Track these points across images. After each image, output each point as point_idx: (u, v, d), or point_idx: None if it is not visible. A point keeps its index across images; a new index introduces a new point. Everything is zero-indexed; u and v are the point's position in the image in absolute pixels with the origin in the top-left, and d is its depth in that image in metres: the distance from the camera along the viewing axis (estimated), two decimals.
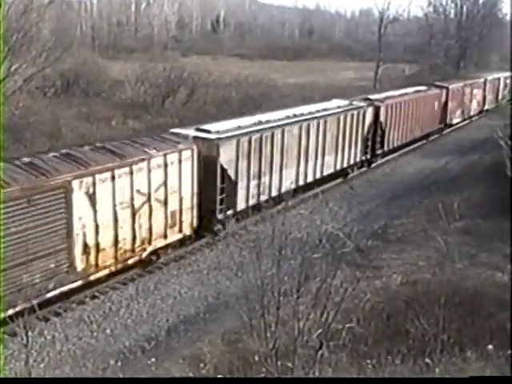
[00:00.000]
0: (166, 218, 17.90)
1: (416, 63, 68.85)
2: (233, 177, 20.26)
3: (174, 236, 18.46)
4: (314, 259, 10.01)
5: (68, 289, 15.44)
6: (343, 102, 28.84)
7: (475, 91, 46.48)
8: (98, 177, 15.51)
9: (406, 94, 34.68)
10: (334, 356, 11.52)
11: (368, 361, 12.37)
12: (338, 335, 10.38)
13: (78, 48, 47.91)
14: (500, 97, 54.45)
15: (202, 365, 13.38)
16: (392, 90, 35.65)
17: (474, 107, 47.18)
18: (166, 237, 18.10)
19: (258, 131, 21.49)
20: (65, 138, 30.42)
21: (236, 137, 20.41)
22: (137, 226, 16.92)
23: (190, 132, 19.96)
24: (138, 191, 16.72)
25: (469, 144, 38.52)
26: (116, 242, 16.38)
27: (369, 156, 30.05)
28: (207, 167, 19.23)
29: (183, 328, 15.46)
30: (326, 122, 25.37)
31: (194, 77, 44.27)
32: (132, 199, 16.59)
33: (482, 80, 48.50)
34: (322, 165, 25.68)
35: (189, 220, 18.81)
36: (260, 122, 22.41)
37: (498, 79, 53.52)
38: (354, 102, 29.20)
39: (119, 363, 13.78)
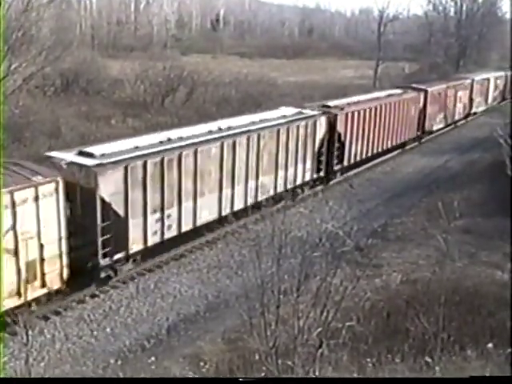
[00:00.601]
0: (18, 271, 14.12)
1: (416, 62, 68.89)
2: (121, 212, 16.34)
3: (34, 292, 14.62)
4: (314, 258, 10.00)
5: None
6: (292, 111, 25.22)
7: (460, 93, 42.81)
8: None
9: (375, 99, 31.20)
10: (334, 355, 11.50)
11: (368, 359, 12.37)
12: (338, 334, 10.37)
13: (77, 47, 47.87)
14: (490, 99, 51.14)
15: (202, 363, 13.39)
16: (359, 95, 31.86)
17: (459, 111, 43.39)
18: (20, 295, 14.28)
19: (157, 153, 17.48)
20: (64, 136, 30.42)
21: (124, 162, 16.42)
22: None
23: (68, 156, 16.45)
24: None
25: (469, 142, 38.52)
26: None
27: (323, 173, 26.02)
28: (84, 202, 15.67)
29: (183, 327, 15.47)
30: (259, 137, 21.40)
31: (193, 75, 44.23)
32: None
33: (468, 81, 45.04)
34: (256, 188, 21.73)
35: (56, 271, 14.96)
36: (168, 141, 18.66)
37: (487, 80, 49.89)
38: (306, 111, 25.50)
39: (119, 362, 13.79)
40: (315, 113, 25.44)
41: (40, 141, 28.77)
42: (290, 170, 23.54)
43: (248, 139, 20.87)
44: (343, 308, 10.51)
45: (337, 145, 26.37)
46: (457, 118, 43.13)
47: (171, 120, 35.74)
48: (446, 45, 69.97)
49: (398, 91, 34.53)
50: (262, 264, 9.85)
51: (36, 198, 14.17)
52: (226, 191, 20.25)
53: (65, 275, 15.17)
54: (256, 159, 21.40)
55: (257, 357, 11.51)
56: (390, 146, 31.96)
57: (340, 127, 26.36)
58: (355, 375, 11.44)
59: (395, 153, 33.46)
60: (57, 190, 14.61)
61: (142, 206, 16.96)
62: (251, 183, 21.36)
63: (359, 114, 27.95)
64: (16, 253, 14.01)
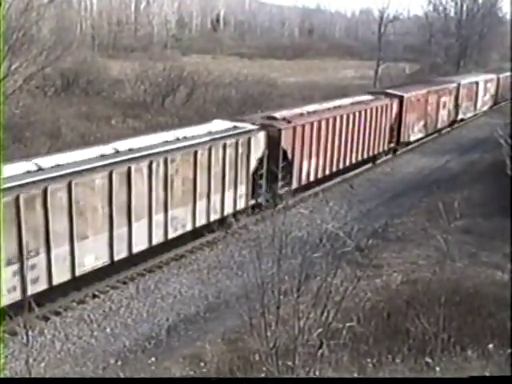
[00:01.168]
0: None
1: (416, 62, 68.92)
2: None
3: None
4: (315, 258, 10.00)
5: None
6: (225, 125, 21.38)
7: (444, 99, 39.02)
8: None
9: (337, 107, 27.31)
10: (335, 355, 11.51)
11: (368, 360, 12.36)
12: (338, 334, 10.38)
13: (77, 47, 47.86)
14: (479, 104, 47.39)
15: (202, 364, 13.38)
16: (320, 103, 28.02)
17: (443, 118, 39.72)
18: None
19: (15, 188, 13.82)
20: (65, 137, 30.43)
21: None
22: None
23: None
24: None
25: (469, 143, 38.52)
26: None
27: (262, 199, 22.09)
28: None
29: (183, 327, 15.46)
30: (167, 161, 17.51)
31: (193, 76, 44.23)
32: None
33: (453, 85, 41.08)
34: (166, 223, 17.90)
35: None
36: (36, 171, 14.87)
37: (476, 83, 45.77)
38: (242, 125, 21.68)
39: (119, 362, 13.78)
40: (251, 127, 21.63)
41: (40, 141, 28.76)
42: (215, 199, 19.77)
43: (150, 164, 17.03)
44: (343, 308, 10.52)
45: (282, 164, 22.26)
46: (440, 126, 39.50)
47: (171, 120, 35.78)
48: (446, 45, 70.09)
49: (369, 98, 30.94)
50: (262, 264, 9.85)
51: None
52: (119, 230, 16.41)
53: None
54: (164, 188, 17.59)
55: (257, 357, 11.50)
56: (354, 161, 28.25)
57: (286, 143, 22.71)
58: (355, 376, 11.43)
59: (365, 167, 30.22)
60: None
61: None
62: (157, 217, 17.49)
63: (312, 126, 24.28)
64: None
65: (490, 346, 12.57)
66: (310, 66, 71.99)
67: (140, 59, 50.37)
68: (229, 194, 20.42)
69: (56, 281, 15.03)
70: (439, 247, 14.93)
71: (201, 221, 19.35)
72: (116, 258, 16.55)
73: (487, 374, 11.05)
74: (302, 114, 24.70)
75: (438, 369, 11.55)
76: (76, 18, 73.46)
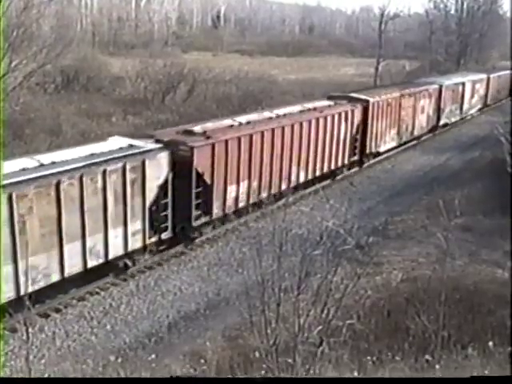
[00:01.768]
0: None
1: (416, 59, 68.90)
2: None
3: None
4: (315, 256, 10.00)
5: None
6: (119, 144, 17.44)
7: (423, 102, 35.37)
8: None
9: (278, 117, 23.20)
10: (335, 353, 11.51)
11: (368, 357, 12.38)
12: (338, 332, 10.38)
13: (78, 44, 47.77)
14: (466, 107, 43.46)
15: (202, 361, 13.39)
16: (259, 113, 24.36)
17: (422, 124, 35.91)
18: None
19: None
20: (65, 134, 30.41)
21: None
22: None
23: None
24: None
25: (469, 140, 38.49)
26: None
27: (168, 234, 18.11)
28: None
29: (184, 324, 15.47)
30: (13, 198, 13.70)
31: (194, 73, 44.22)
32: None
33: (434, 87, 37.47)
34: (16, 275, 13.97)
35: None
36: None
37: (462, 84, 41.99)
38: (140, 144, 17.61)
39: (119, 359, 13.78)
40: (150, 147, 17.48)
41: (40, 138, 28.76)
42: (93, 240, 15.74)
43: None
44: (344, 306, 10.52)
45: (196, 190, 18.55)
46: (418, 133, 35.61)
47: (172, 117, 35.79)
48: (446, 43, 70.04)
49: (326, 103, 27.14)
50: (262, 262, 9.85)
51: None
52: None
53: None
54: (11, 232, 13.79)
55: (257, 354, 11.52)
56: (303, 180, 24.44)
57: (201, 164, 18.54)
58: (356, 373, 11.45)
59: (322, 184, 26.01)
60: None
61: None
62: (6, 269, 13.77)
63: (239, 142, 20.17)
64: None
65: (490, 343, 12.59)
66: (310, 64, 71.94)
67: (140, 56, 50.36)
68: (115, 233, 16.30)
69: None
70: (439, 245, 14.92)
71: (72, 268, 15.36)
72: None
73: (487, 372, 11.06)
74: (231, 127, 20.78)
75: (437, 366, 11.57)
76: (76, 15, 73.33)
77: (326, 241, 10.24)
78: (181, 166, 17.87)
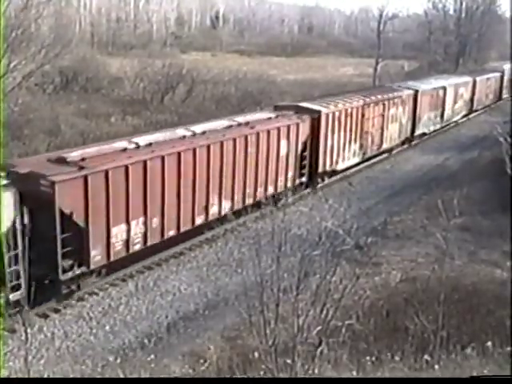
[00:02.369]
0: None
1: (415, 60, 69.02)
2: None
3: None
4: (314, 256, 10.01)
5: None
6: None
7: (394, 110, 31.23)
8: None
9: (191, 137, 18.96)
10: (334, 353, 11.52)
11: (367, 358, 12.37)
12: (337, 332, 10.40)
13: (76, 44, 47.80)
14: (447, 114, 39.51)
15: (201, 361, 13.39)
16: (167, 132, 19.64)
17: (392, 135, 31.79)
18: None
19: None
20: (64, 134, 30.41)
21: None
22: None
23: None
24: None
25: (468, 140, 38.50)
26: None
27: (22, 293, 13.99)
28: None
29: (183, 324, 15.47)
30: None
31: (193, 73, 44.26)
32: None
33: (408, 92, 33.31)
34: None
35: None
36: None
37: (444, 89, 38.20)
38: None
39: (118, 360, 13.78)
40: None
41: (39, 138, 28.75)
42: None
43: None
44: (343, 306, 10.54)
45: (63, 236, 14.59)
46: (388, 145, 31.62)
47: (171, 118, 35.80)
48: (445, 43, 70.18)
49: (265, 116, 23.13)
50: (261, 262, 9.85)
51: None
52: None
53: None
54: None
55: (256, 355, 11.53)
56: (226, 211, 20.20)
57: (68, 203, 14.64)
58: (354, 373, 11.45)
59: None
60: None
61: None
62: None
63: (127, 171, 16.14)
64: None
65: (489, 343, 12.59)
66: (309, 64, 71.97)
67: (139, 57, 50.40)
68: None
69: None
70: (438, 245, 14.95)
71: None
72: None
73: (486, 372, 11.06)
74: (123, 151, 16.74)
75: (437, 367, 11.57)
76: (75, 15, 73.28)
77: (325, 241, 10.26)
78: (40, 205, 14.24)
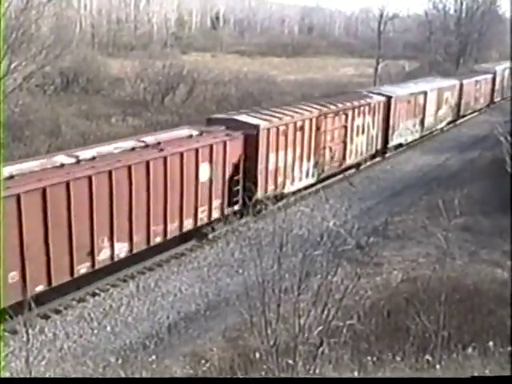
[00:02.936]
0: None
1: (416, 60, 68.97)
2: None
3: None
4: (315, 256, 10.01)
5: None
6: None
7: (360, 121, 27.33)
8: None
9: (77, 162, 15.27)
10: (335, 353, 11.50)
11: (369, 358, 12.36)
12: (338, 332, 10.39)
13: (77, 45, 47.86)
14: (429, 121, 35.99)
15: (202, 362, 13.39)
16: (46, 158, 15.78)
17: (360, 149, 28.06)
18: None
19: None
20: (64, 135, 30.42)
21: None
22: None
23: None
24: None
25: (469, 140, 38.48)
26: None
27: None
28: None
29: (184, 325, 15.47)
30: None
31: (193, 74, 44.27)
32: None
33: (378, 99, 29.37)
34: None
35: None
36: None
37: (424, 93, 34.53)
38: None
39: (120, 361, 13.77)
40: None
41: (40, 139, 28.76)
42: None
43: None
44: (344, 306, 10.53)
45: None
46: (352, 161, 27.73)
47: (171, 118, 35.80)
48: (445, 43, 70.06)
49: (184, 134, 19.08)
50: (262, 262, 9.85)
51: None
52: None
53: None
54: None
55: (257, 355, 11.52)
56: (122, 255, 16.57)
57: None
58: (356, 373, 11.44)
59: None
60: None
61: None
62: None
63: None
64: None
65: (491, 343, 12.59)
66: (309, 64, 71.95)
67: (140, 57, 50.33)
68: None
69: None
70: (439, 245, 14.92)
71: None
72: None
73: (487, 372, 11.06)
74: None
75: (438, 366, 11.56)
76: (75, 16, 73.22)
77: (327, 241, 10.25)
78: None
